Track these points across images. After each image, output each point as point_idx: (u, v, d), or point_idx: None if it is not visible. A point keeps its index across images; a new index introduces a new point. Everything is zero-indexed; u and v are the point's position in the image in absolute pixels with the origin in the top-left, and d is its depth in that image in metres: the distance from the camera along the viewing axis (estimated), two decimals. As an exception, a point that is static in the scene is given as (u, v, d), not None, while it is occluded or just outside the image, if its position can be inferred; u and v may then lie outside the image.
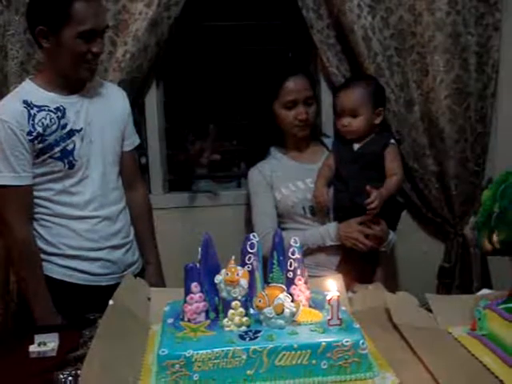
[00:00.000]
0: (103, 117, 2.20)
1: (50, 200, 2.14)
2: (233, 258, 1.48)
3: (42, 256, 2.15)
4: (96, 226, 2.19)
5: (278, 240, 1.61)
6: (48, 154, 2.08)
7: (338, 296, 1.44)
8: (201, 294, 1.47)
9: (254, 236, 1.59)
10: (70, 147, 2.10)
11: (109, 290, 2.15)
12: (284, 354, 1.36)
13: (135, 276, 2.21)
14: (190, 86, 3.02)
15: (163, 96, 2.95)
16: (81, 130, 2.13)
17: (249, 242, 1.58)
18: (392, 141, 2.41)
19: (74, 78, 2.12)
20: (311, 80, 2.54)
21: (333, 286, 1.48)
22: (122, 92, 2.38)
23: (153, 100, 2.85)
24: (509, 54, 2.87)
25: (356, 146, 2.41)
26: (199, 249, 1.55)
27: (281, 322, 1.43)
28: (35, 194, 2.12)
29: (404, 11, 2.71)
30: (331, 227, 2.38)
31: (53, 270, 2.16)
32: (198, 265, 1.50)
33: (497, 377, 1.38)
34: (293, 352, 1.36)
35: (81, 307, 2.07)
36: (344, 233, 2.34)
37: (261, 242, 1.59)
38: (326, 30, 2.73)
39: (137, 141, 2.42)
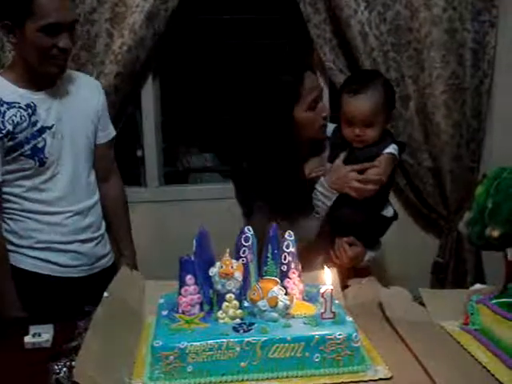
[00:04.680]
0: (75, 112, 2.16)
1: (20, 196, 2.11)
2: (228, 250, 1.48)
3: (13, 248, 2.13)
4: (66, 221, 2.16)
5: (273, 233, 1.62)
6: (18, 152, 2.04)
7: (332, 289, 1.45)
8: (195, 287, 1.48)
9: (248, 229, 1.60)
10: (40, 145, 2.07)
11: (79, 282, 2.17)
12: (277, 347, 1.37)
13: (107, 268, 2.24)
14: (186, 79, 3.02)
15: (159, 89, 2.96)
16: (52, 126, 2.09)
17: (243, 236, 1.59)
18: (388, 150, 2.08)
19: (43, 73, 2.06)
20: None
21: (327, 279, 1.48)
22: (97, 83, 2.34)
23: (149, 93, 2.85)
24: (504, 50, 2.88)
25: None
26: (194, 241, 1.56)
27: (274, 314, 1.44)
28: (5, 190, 2.09)
29: (401, 7, 2.72)
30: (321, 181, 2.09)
31: (23, 262, 2.14)
32: (192, 257, 1.50)
33: (489, 371, 1.39)
34: (286, 344, 1.37)
35: (52, 299, 2.09)
36: (336, 178, 2.05)
37: None
38: (323, 24, 2.74)
39: (112, 133, 2.36)
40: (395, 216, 2.19)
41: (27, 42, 1.97)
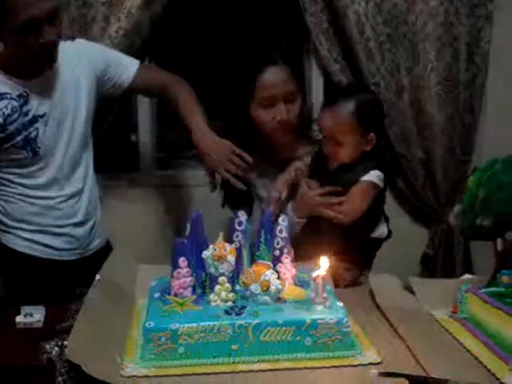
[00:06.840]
0: (67, 92, 2.09)
1: (13, 182, 2.09)
2: (221, 234, 1.49)
3: (6, 228, 2.13)
4: (60, 205, 2.15)
5: (266, 219, 1.63)
6: (10, 143, 2.01)
7: (324, 274, 1.46)
8: (188, 269, 1.48)
9: (241, 214, 1.61)
10: (32, 135, 2.03)
11: (72, 265, 2.17)
12: (269, 330, 1.38)
13: (100, 250, 2.24)
14: (183, 64, 3.01)
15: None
16: (44, 115, 2.04)
17: (237, 220, 1.60)
18: (366, 177, 1.90)
19: (33, 67, 2.01)
20: (293, 71, 2.04)
21: (319, 264, 1.49)
22: (78, 46, 2.17)
23: (144, 78, 2.84)
24: (499, 45, 2.89)
25: (331, 165, 1.97)
26: (187, 224, 1.56)
27: (266, 298, 1.45)
28: None
29: (397, -2, 2.72)
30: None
31: (16, 243, 2.14)
32: (185, 240, 1.51)
33: (476, 358, 1.41)
34: (277, 328, 1.38)
35: (44, 281, 2.09)
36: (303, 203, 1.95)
37: None
38: (320, 13, 2.74)
39: (134, 61, 2.25)
40: (388, 235, 2.08)
41: (11, 43, 1.92)
